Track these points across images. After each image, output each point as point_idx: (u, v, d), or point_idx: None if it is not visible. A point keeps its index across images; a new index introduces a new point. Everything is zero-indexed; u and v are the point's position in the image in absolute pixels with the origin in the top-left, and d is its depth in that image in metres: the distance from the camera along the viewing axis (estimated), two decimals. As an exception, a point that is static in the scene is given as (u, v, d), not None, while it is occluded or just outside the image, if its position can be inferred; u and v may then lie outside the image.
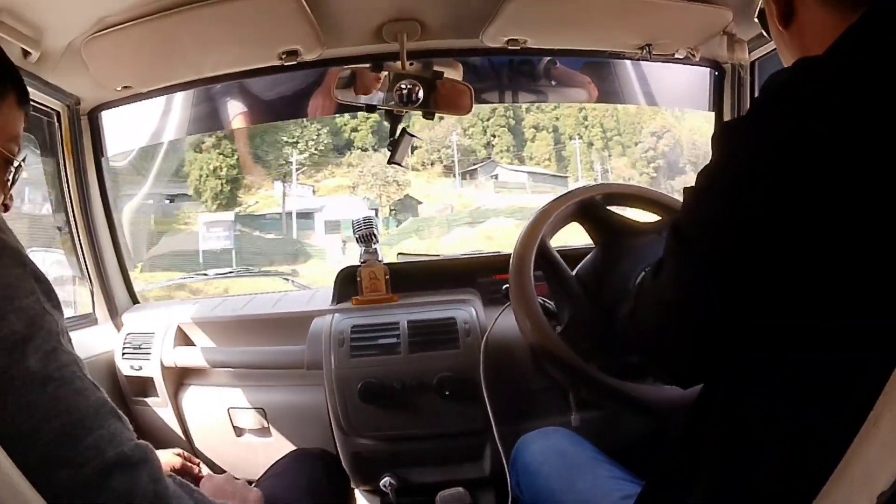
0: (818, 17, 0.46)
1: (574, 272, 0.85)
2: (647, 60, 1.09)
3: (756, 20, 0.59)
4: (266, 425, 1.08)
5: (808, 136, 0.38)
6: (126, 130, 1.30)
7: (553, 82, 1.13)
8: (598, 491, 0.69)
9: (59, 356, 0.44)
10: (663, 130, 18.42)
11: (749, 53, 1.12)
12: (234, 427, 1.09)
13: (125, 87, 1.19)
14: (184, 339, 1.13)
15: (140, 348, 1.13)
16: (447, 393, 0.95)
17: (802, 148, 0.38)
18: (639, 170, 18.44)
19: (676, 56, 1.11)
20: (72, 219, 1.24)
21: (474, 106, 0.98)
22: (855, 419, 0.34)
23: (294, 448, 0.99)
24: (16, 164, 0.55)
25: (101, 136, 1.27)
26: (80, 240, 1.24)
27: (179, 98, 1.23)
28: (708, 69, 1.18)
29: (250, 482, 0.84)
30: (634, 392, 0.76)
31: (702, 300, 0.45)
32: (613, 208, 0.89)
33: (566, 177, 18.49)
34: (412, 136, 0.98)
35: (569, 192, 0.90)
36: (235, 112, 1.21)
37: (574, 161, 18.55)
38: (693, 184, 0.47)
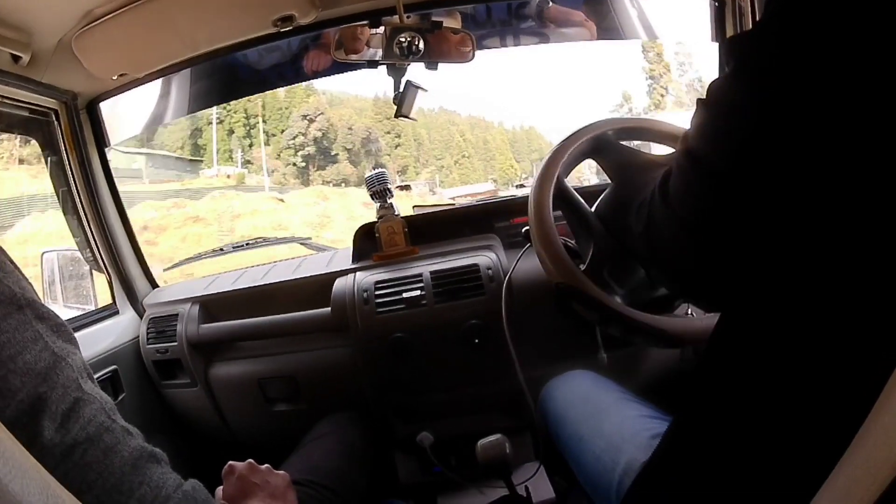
0: None
1: (593, 209, 0.84)
2: (647, -6, 1.07)
3: None
4: (297, 392, 1.08)
5: (852, 47, 0.33)
6: (127, 116, 1.29)
7: (552, 23, 1.11)
8: (625, 433, 0.67)
9: (81, 411, 0.38)
10: (316, 113, 16.53)
11: (748, -18, 1.10)
12: (265, 398, 1.10)
13: (121, 76, 1.18)
14: (207, 317, 1.13)
15: (164, 333, 1.13)
16: (476, 341, 0.95)
17: (845, 58, 0.34)
18: (284, 160, 16.27)
19: (676, -12, 1.09)
20: (82, 212, 1.24)
21: (476, 53, 0.97)
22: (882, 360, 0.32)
23: (327, 412, 1.00)
24: None
25: (101, 127, 1.26)
26: (92, 232, 1.24)
27: (176, 78, 1.22)
28: (708, 0, 1.16)
29: (287, 453, 0.84)
30: (660, 325, 0.74)
31: (716, 218, 0.42)
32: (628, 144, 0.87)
33: (200, 160, 15.76)
34: (418, 87, 0.97)
35: (581, 128, 0.88)
36: (234, 84, 1.20)
37: (210, 148, 15.96)
38: (703, 97, 0.42)
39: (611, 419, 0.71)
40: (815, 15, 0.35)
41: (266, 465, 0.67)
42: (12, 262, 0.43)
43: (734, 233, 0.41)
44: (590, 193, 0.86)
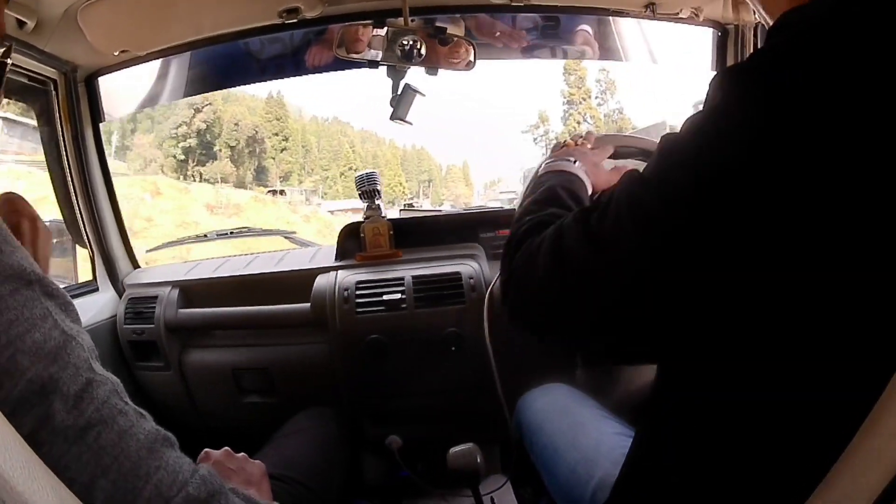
0: None
1: None
2: (651, 19, 1.08)
3: None
4: (271, 385, 1.08)
5: (849, 93, 0.32)
6: (124, 94, 1.28)
7: (555, 39, 1.12)
8: (602, 448, 0.67)
9: (94, 392, 0.37)
10: (204, 103, 15.07)
11: (753, 14, 1.11)
12: (238, 388, 1.09)
13: (123, 52, 1.18)
14: (186, 302, 1.12)
15: (142, 314, 1.12)
16: (453, 349, 0.95)
17: (842, 106, 0.32)
18: (165, 151, 14.98)
19: (680, 15, 1.10)
20: (71, 185, 1.23)
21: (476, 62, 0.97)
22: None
23: (299, 407, 1.00)
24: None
25: (98, 102, 1.25)
26: (79, 206, 1.23)
27: (175, 60, 1.21)
28: (711, 29, 1.17)
29: (259, 445, 0.83)
30: None
31: (672, 252, 0.36)
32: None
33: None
34: (416, 91, 0.97)
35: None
36: (233, 72, 1.20)
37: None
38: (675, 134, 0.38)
39: (588, 433, 0.71)
40: (841, 49, 0.34)
41: (242, 453, 0.66)
42: None
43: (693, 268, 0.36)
44: None
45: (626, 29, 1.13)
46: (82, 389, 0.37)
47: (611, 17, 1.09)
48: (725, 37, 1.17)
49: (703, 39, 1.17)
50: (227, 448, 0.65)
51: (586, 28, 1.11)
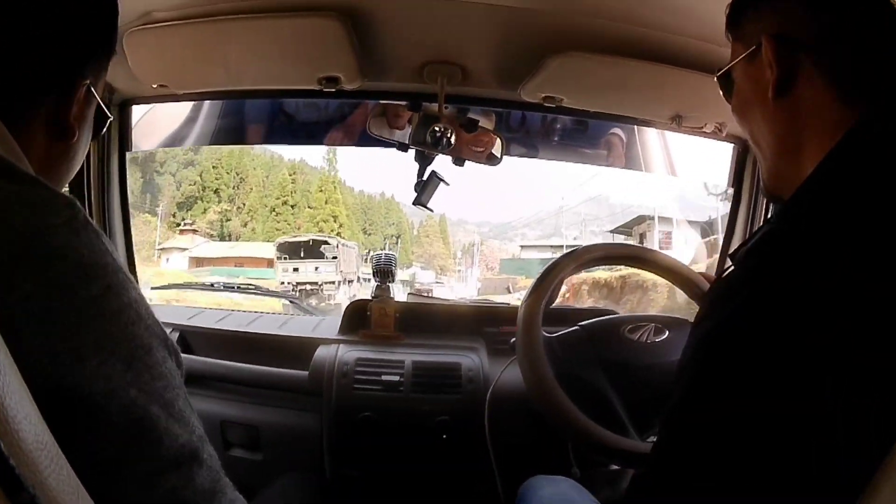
0: (820, 95, 0.43)
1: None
2: (676, 131, 1.12)
3: (716, 79, 0.52)
4: (257, 443, 1.07)
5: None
6: (152, 127, 1.30)
7: (581, 143, 1.16)
8: None
9: (223, 483, 0.41)
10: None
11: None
12: (224, 441, 1.08)
13: (161, 86, 1.19)
14: (185, 347, 1.12)
15: None
16: (444, 437, 0.96)
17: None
18: None
19: (705, 130, 1.14)
20: (88, 209, 1.24)
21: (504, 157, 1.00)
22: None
23: (282, 468, 0.99)
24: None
25: (128, 130, 1.27)
26: (93, 230, 1.23)
27: (206, 106, 1.24)
28: (732, 145, 1.20)
29: None
30: (633, 448, 0.76)
31: None
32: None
33: None
34: (441, 179, 1.00)
35: (582, 247, 0.93)
36: (264, 130, 1.22)
37: None
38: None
39: None
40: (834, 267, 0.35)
41: None
42: None
43: None
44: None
45: (650, 140, 1.17)
46: (210, 457, 0.40)
47: (635, 128, 1.12)
48: (745, 153, 1.20)
49: (721, 155, 1.20)
50: None
51: (619, 132, 1.14)
